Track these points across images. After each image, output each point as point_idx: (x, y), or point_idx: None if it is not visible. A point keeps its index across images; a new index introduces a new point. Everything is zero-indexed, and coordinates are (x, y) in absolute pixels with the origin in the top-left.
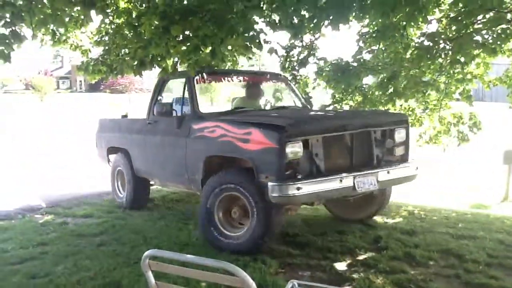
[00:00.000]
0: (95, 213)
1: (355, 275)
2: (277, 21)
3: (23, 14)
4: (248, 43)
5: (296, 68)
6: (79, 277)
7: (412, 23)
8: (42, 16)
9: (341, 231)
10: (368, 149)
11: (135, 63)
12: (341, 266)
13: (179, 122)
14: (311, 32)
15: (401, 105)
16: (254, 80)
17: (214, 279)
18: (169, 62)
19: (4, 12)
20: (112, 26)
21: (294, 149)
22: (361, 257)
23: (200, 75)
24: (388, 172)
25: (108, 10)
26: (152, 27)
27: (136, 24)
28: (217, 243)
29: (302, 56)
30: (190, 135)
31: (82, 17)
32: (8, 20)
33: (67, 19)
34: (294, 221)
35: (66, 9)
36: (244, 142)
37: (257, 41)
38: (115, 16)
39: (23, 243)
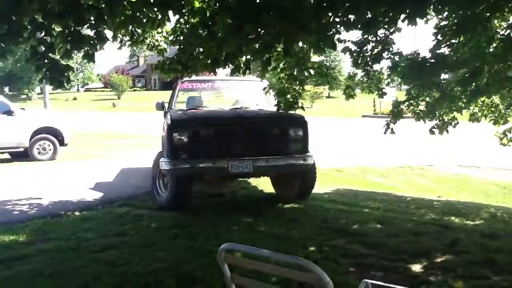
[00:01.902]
0: None
1: (431, 278)
2: (352, 20)
3: (105, 16)
4: (321, 43)
5: (370, 63)
6: (155, 267)
7: (497, 14)
8: (122, 18)
9: (416, 232)
10: (251, 141)
11: (209, 61)
12: (416, 268)
13: (164, 115)
14: (386, 27)
15: (482, 101)
16: (227, 86)
17: (291, 275)
18: (242, 60)
19: (90, 15)
20: (187, 26)
21: (179, 138)
22: (438, 260)
23: (185, 81)
24: (266, 160)
25: (184, 10)
26: (225, 26)
27: (210, 23)
28: (156, 198)
29: (375, 51)
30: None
31: (159, 17)
32: (92, 22)
33: (144, 20)
34: (367, 220)
35: (145, 10)
36: (163, 130)
37: (331, 40)
38: (190, 16)
39: (103, 232)
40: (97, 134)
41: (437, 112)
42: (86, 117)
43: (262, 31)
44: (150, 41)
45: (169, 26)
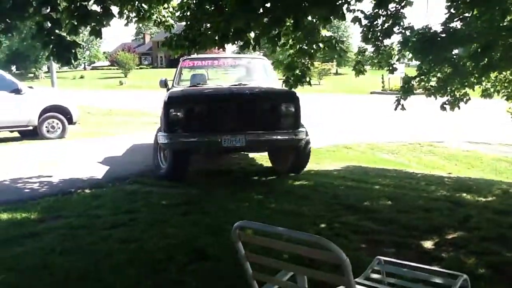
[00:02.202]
0: (179, 184)
1: (443, 255)
2: None
3: None
4: (331, 14)
5: (380, 38)
6: (166, 243)
7: None
8: None
9: (427, 208)
10: (243, 117)
11: (217, 37)
12: (428, 244)
13: (166, 91)
14: (397, 0)
15: (495, 77)
16: (227, 64)
17: (308, 253)
18: (251, 36)
19: None
20: (194, 1)
21: (175, 114)
22: (449, 236)
23: (187, 59)
24: (258, 135)
25: None
26: (233, 0)
27: None
28: (157, 171)
29: (386, 25)
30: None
31: None
32: None
33: None
34: (377, 197)
35: None
36: (161, 108)
37: (341, 11)
38: None
39: (114, 210)
40: (104, 112)
41: (448, 88)
42: (94, 95)
43: (271, 4)
44: (156, 17)
45: (175, 1)
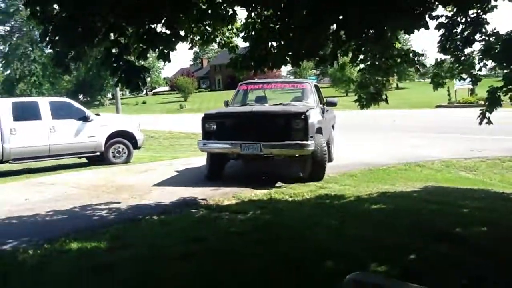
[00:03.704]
0: (247, 208)
1: None
2: None
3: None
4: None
5: (460, 47)
6: (241, 278)
7: None
8: (197, 13)
9: None
10: (262, 128)
11: (288, 55)
12: None
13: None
14: (479, 5)
15: None
16: (276, 87)
17: None
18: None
19: (164, 11)
20: (259, 20)
21: (209, 126)
22: None
23: (243, 84)
24: (271, 145)
25: (254, 4)
26: (306, 16)
27: (286, 14)
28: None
29: (466, 33)
30: None
31: (230, 12)
32: (166, 19)
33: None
34: (469, 222)
35: (223, 4)
36: None
37: (423, 20)
38: (262, 9)
39: (183, 238)
40: (167, 135)
41: None
42: (156, 120)
43: (343, 18)
44: (220, 39)
45: (239, 22)
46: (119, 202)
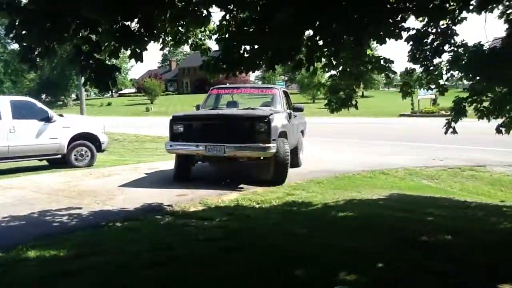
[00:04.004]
0: (214, 215)
1: None
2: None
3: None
4: (383, 33)
5: (429, 57)
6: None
7: None
8: (174, 12)
9: (498, 244)
10: (225, 131)
11: (263, 58)
12: None
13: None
14: (450, 16)
15: None
16: (247, 91)
17: None
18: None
19: (140, 7)
20: (234, 23)
21: (176, 128)
22: None
23: (214, 88)
24: (234, 147)
25: (230, 6)
26: (288, 18)
27: (264, 17)
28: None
29: (435, 44)
30: None
31: (205, 14)
32: (142, 15)
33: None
34: (435, 230)
35: (200, 4)
36: None
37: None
38: (238, 11)
39: (150, 246)
40: (132, 138)
41: (506, 109)
42: (121, 122)
43: (327, 22)
44: (193, 41)
45: (212, 24)
46: (80, 208)
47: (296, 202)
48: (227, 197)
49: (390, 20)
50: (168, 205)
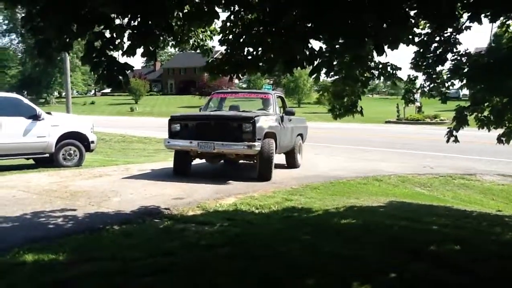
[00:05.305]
0: (214, 219)
1: None
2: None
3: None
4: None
5: (432, 65)
6: None
7: None
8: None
9: (507, 255)
10: (215, 131)
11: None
12: None
13: None
14: (455, 24)
15: None
16: (245, 96)
17: None
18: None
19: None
20: (240, 23)
21: (174, 127)
22: None
23: (216, 92)
24: (223, 144)
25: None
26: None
27: (273, 19)
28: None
29: (438, 52)
30: None
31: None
32: (161, 12)
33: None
34: (441, 240)
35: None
36: None
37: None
38: (245, 12)
39: (150, 252)
40: (119, 138)
41: (507, 118)
42: (106, 122)
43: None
44: (194, 41)
45: (214, 25)
46: (75, 210)
47: (296, 208)
48: (224, 202)
49: (405, 24)
50: (165, 208)
